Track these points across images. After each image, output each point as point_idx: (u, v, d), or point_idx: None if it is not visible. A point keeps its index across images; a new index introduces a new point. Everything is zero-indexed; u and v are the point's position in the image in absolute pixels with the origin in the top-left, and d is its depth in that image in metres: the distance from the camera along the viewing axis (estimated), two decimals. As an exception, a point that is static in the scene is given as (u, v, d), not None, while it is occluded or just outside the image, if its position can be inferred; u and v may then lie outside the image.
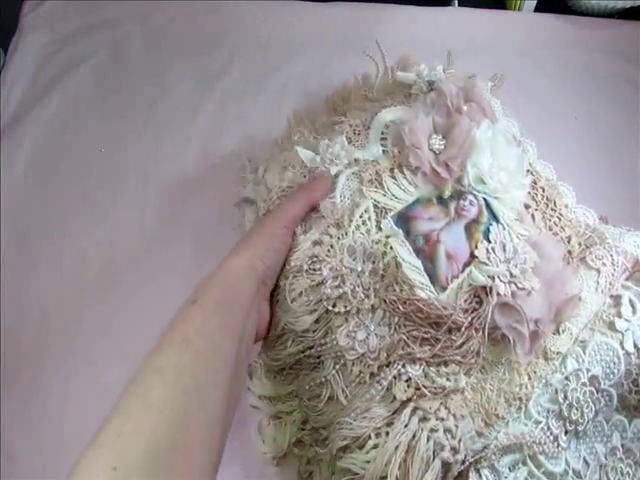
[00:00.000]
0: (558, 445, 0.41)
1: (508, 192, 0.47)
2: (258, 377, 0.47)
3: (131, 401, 0.31)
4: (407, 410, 0.40)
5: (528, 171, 0.50)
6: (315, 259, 0.43)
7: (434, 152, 0.46)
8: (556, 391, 0.42)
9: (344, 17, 0.71)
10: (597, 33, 0.72)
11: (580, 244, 0.48)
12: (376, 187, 0.46)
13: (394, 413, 0.41)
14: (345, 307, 0.42)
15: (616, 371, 0.43)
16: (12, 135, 0.60)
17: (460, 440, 0.40)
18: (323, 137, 0.50)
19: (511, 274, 0.42)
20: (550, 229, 0.48)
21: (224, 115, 0.63)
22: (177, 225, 0.57)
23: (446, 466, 0.39)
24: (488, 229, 0.45)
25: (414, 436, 0.39)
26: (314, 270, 0.43)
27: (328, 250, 0.43)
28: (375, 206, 0.45)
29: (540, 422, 0.41)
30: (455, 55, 0.70)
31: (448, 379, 0.41)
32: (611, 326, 0.44)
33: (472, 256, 0.44)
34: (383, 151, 0.49)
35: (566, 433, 0.42)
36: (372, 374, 0.41)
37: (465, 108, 0.48)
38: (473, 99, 0.49)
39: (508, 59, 0.70)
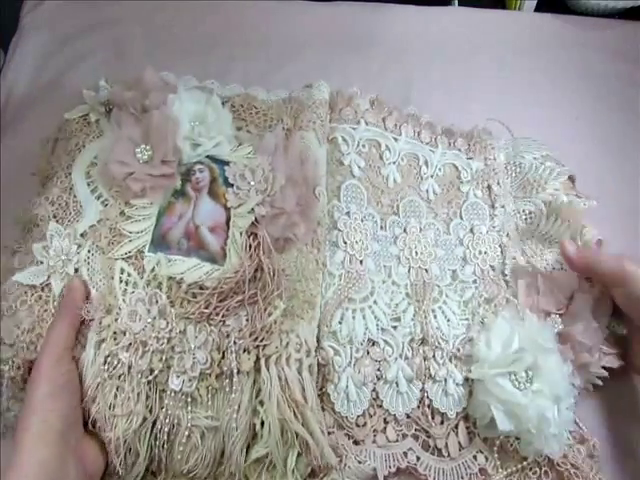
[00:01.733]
0: None
1: (217, 134, 0.49)
2: None
3: None
4: (264, 368, 0.41)
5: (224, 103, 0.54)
6: (109, 358, 0.40)
7: (146, 162, 0.46)
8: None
9: (344, 17, 0.71)
10: (597, 33, 0.73)
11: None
12: (118, 242, 0.44)
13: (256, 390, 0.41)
14: (162, 359, 0.40)
15: None
16: (12, 135, 0.60)
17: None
18: (26, 239, 0.46)
19: (262, 192, 0.46)
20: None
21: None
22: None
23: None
24: (225, 177, 0.47)
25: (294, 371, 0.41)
26: (114, 367, 0.40)
27: (114, 339, 0.41)
28: (127, 259, 0.44)
29: None
30: (455, 55, 0.70)
31: (270, 313, 0.42)
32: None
33: (227, 209, 0.46)
34: (103, 203, 0.46)
35: None
36: (218, 376, 0.41)
37: (147, 102, 0.48)
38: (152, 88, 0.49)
39: (508, 59, 0.70)
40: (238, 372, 0.41)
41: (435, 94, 0.65)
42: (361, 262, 0.49)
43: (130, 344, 0.40)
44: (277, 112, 0.55)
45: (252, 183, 0.46)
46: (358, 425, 0.44)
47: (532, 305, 0.48)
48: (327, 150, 0.53)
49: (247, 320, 0.42)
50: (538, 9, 0.76)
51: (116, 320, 0.41)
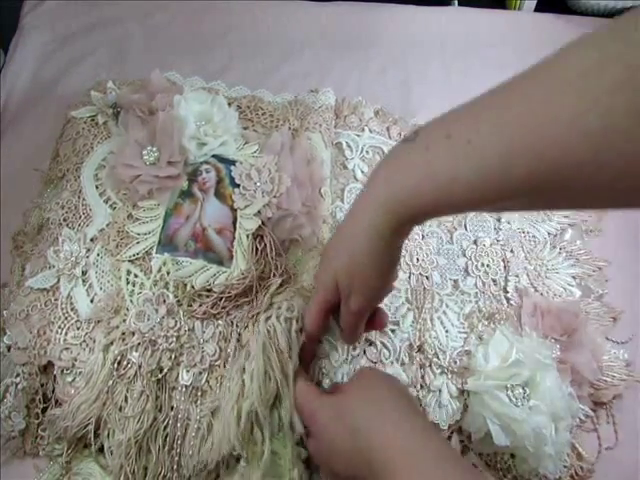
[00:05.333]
0: None
1: (223, 133, 0.49)
2: None
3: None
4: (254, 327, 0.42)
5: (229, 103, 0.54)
6: (119, 358, 0.41)
7: (153, 163, 0.46)
8: None
9: (344, 17, 0.71)
10: (597, 33, 0.72)
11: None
12: (126, 244, 0.45)
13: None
14: (171, 357, 0.41)
15: None
16: (12, 135, 0.60)
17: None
18: (37, 241, 0.47)
19: (268, 193, 0.46)
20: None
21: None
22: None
23: None
24: (231, 178, 0.47)
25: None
26: (124, 368, 0.41)
27: (123, 340, 0.41)
28: (134, 261, 0.44)
29: None
30: (455, 54, 0.70)
31: (272, 303, 0.43)
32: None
33: (234, 210, 0.46)
34: (111, 206, 0.47)
35: None
36: (225, 364, 0.42)
37: (154, 103, 0.48)
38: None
39: (508, 59, 0.69)
40: (242, 347, 0.42)
41: (435, 94, 0.65)
42: None
43: (139, 344, 0.41)
44: (283, 113, 0.56)
45: (258, 183, 0.46)
46: None
47: (535, 326, 0.48)
48: (332, 154, 0.54)
49: (249, 311, 0.43)
50: (538, 9, 0.76)
51: (124, 321, 0.41)
